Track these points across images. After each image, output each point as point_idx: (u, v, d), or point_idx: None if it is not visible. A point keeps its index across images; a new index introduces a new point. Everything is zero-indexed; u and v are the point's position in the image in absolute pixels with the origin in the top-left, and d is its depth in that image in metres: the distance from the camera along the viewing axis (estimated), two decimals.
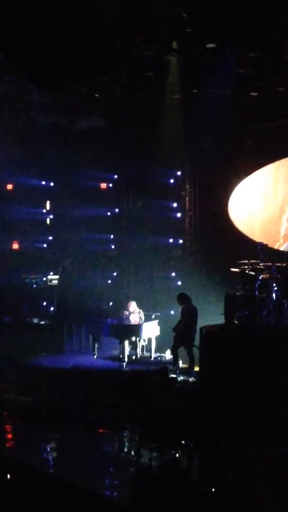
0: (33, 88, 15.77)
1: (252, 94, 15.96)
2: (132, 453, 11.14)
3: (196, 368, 14.37)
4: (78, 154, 18.92)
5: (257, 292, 13.11)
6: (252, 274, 13.39)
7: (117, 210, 20.05)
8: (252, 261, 13.64)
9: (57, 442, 12.07)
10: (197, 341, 14.09)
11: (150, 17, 12.83)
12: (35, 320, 18.31)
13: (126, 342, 15.85)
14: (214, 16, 10.20)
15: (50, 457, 11.47)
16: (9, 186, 19.95)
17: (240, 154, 17.24)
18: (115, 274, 19.94)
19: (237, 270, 13.74)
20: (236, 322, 13.31)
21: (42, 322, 18.24)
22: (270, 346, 12.35)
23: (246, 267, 13.58)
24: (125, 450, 11.72)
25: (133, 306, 16.42)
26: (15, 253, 19.92)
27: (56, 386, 14.37)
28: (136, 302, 16.57)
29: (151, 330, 16.10)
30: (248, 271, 13.50)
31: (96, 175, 19.78)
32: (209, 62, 14.54)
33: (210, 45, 13.73)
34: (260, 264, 13.49)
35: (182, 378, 14.26)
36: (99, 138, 18.90)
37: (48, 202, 20.50)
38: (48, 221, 20.62)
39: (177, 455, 10.61)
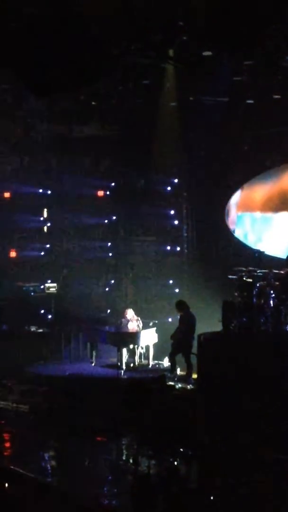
0: (30, 95, 15.80)
1: (248, 101, 16.00)
2: (131, 460, 11.12)
3: (194, 375, 14.34)
4: (75, 162, 18.94)
5: (254, 299, 13.11)
6: (249, 281, 13.39)
7: (114, 217, 20.06)
8: (249, 268, 13.66)
9: (55, 450, 12.04)
10: (194, 349, 14.07)
11: (146, 25, 12.86)
12: (33, 328, 18.27)
13: (124, 350, 15.84)
14: (210, 24, 10.23)
15: (48, 466, 11.44)
16: (7, 194, 19.93)
17: (236, 161, 17.27)
18: (112, 281, 19.93)
19: (234, 277, 13.75)
20: (234, 329, 13.30)
21: (40, 330, 18.20)
22: (268, 353, 12.34)
23: (243, 274, 13.59)
24: (124, 457, 11.70)
25: (130, 313, 16.41)
26: (13, 261, 19.89)
27: (54, 394, 14.35)
28: (133, 310, 16.56)
29: (149, 338, 16.08)
30: (246, 278, 13.51)
31: (94, 183, 19.79)
32: (206, 70, 14.58)
33: (206, 53, 13.76)
34: (258, 271, 13.50)
35: (180, 385, 14.23)
36: (96, 146, 18.93)
37: (45, 210, 20.49)
38: (45, 229, 20.61)
39: (175, 462, 10.59)
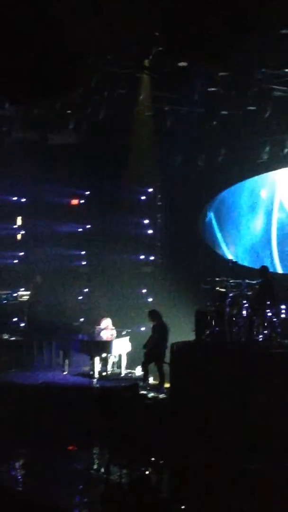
0: (5, 102, 15.76)
1: (222, 112, 16.10)
2: (102, 470, 11.09)
3: (166, 385, 14.35)
4: (50, 170, 18.89)
5: (227, 309, 13.17)
6: (222, 291, 13.46)
7: (88, 226, 20.05)
8: (223, 277, 13.72)
9: (26, 459, 11.98)
10: (167, 358, 14.09)
11: (122, 35, 12.91)
12: (5, 336, 18.17)
13: (97, 358, 15.82)
14: (185, 35, 10.28)
15: (18, 474, 11.38)
16: None
17: (211, 172, 17.36)
18: (86, 290, 19.90)
19: (208, 286, 13.80)
20: (206, 338, 13.34)
21: (12, 338, 18.11)
22: (240, 363, 12.39)
23: (216, 283, 13.65)
24: (95, 467, 11.66)
25: (105, 322, 16.39)
26: None
27: (26, 402, 14.27)
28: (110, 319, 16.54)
29: (121, 347, 16.08)
30: (219, 287, 13.57)
31: (68, 191, 19.78)
32: (181, 80, 14.67)
33: (182, 64, 13.84)
34: (231, 281, 13.58)
35: (152, 394, 14.23)
36: (71, 154, 18.92)
37: (19, 217, 20.44)
38: (19, 236, 20.55)
39: (147, 472, 10.58)
